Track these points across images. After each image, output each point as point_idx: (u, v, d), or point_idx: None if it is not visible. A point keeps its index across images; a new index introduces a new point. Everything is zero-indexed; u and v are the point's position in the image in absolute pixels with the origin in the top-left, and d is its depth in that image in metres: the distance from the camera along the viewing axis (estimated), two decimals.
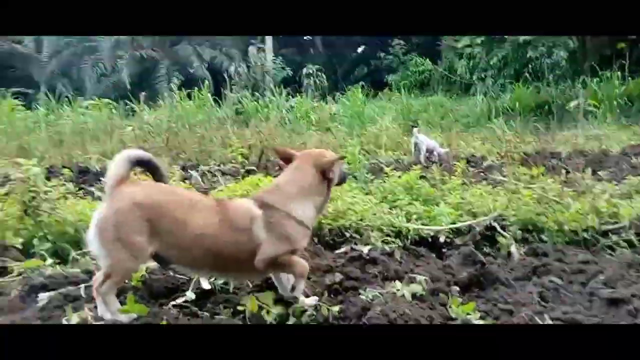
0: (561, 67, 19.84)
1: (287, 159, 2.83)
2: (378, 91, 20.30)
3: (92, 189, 5.89)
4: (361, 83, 19.00)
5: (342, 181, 3.01)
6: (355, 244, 3.84)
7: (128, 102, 14.15)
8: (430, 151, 9.26)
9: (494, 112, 16.48)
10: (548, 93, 17.40)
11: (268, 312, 2.66)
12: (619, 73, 16.02)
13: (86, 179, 6.91)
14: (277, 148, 2.85)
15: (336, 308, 2.62)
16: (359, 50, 30.10)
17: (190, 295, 2.76)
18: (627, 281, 3.13)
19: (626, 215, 4.24)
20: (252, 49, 21.49)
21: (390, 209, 4.63)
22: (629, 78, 16.27)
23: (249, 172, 7.03)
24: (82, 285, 2.80)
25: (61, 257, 3.67)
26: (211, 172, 7.53)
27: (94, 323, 2.27)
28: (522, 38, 18.91)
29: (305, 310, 2.64)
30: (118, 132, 10.04)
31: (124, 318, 2.31)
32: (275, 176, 6.21)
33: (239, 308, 2.67)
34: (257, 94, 16.09)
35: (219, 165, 8.33)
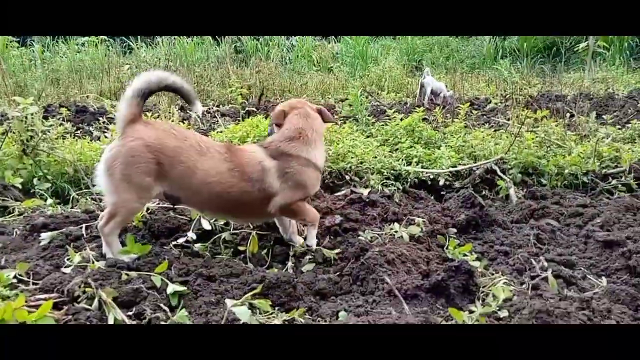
0: None
1: (282, 116, 2.76)
2: None
3: (91, 128, 5.85)
4: None
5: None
6: (355, 186, 3.85)
7: (125, 39, 13.78)
8: (436, 94, 9.12)
9: (500, 53, 16.07)
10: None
11: (268, 252, 2.71)
12: None
13: (84, 118, 6.84)
14: (272, 114, 2.81)
15: (335, 251, 2.66)
16: None
17: (191, 235, 2.79)
18: (623, 224, 3.16)
19: (627, 159, 4.22)
20: None
21: (390, 152, 4.61)
22: None
23: (248, 113, 6.94)
24: (83, 225, 2.83)
25: (61, 197, 3.70)
26: (210, 113, 7.44)
27: (97, 259, 2.29)
28: None
29: (306, 253, 2.69)
30: (115, 70, 9.82)
31: (125, 258, 2.34)
32: None
33: (240, 248, 2.72)
34: None
35: (218, 106, 8.23)
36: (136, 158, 2.31)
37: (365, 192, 3.46)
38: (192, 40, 14.18)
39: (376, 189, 3.80)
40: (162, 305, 1.97)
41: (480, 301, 2.21)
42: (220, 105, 8.43)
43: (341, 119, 6.59)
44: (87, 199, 3.50)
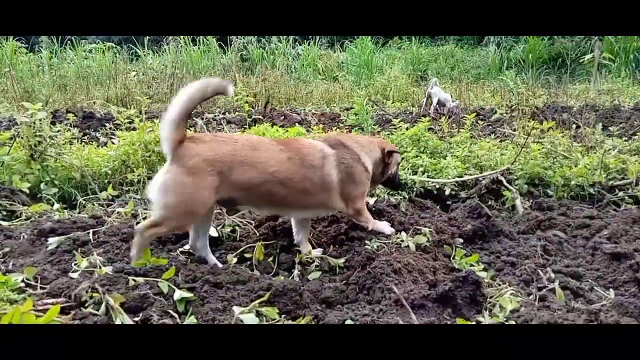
0: None
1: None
2: (388, 39, 19.78)
3: (98, 134, 5.89)
4: None
5: (389, 181, 3.17)
6: None
7: (132, 46, 13.88)
8: (442, 104, 9.16)
9: (505, 64, 16.10)
10: (562, 45, 16.91)
11: (274, 260, 2.70)
12: None
13: (91, 124, 6.89)
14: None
15: (341, 260, 2.65)
16: None
17: None
18: (631, 237, 3.14)
19: (634, 171, 4.21)
20: None
21: None
22: None
23: (255, 120, 6.96)
24: (91, 231, 2.84)
25: (68, 202, 3.71)
26: (216, 120, 7.47)
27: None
28: None
29: (313, 261, 2.68)
30: (122, 77, 9.89)
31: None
32: (281, 126, 6.20)
33: (246, 255, 2.71)
34: (262, 40, 15.70)
35: (224, 114, 8.27)
36: (198, 175, 2.33)
37: (371, 201, 3.46)
38: (199, 48, 14.28)
39: (382, 198, 3.80)
40: (169, 311, 1.97)
41: (488, 312, 2.20)
42: (227, 113, 8.48)
43: (346, 127, 6.61)
44: (93, 205, 3.51)
